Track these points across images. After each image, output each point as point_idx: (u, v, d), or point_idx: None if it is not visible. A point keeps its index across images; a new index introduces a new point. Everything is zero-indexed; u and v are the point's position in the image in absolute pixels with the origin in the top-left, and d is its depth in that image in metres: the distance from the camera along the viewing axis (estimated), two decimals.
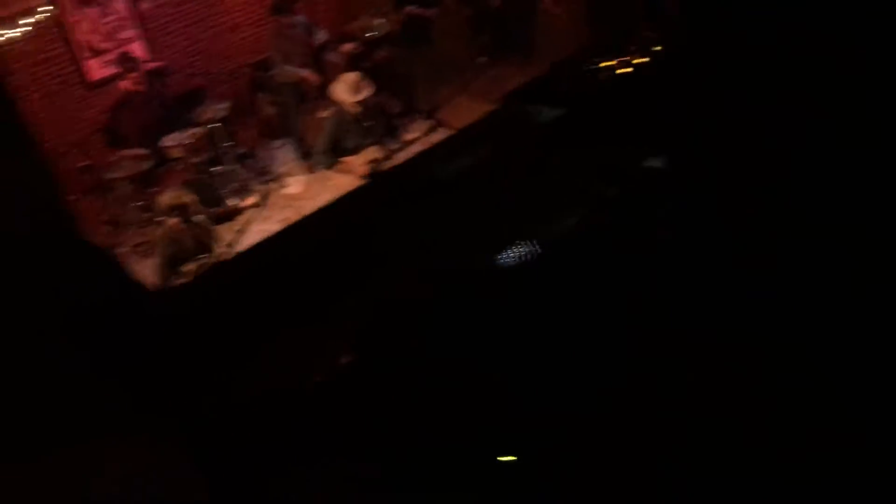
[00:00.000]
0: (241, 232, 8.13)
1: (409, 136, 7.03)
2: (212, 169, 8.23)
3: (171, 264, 6.21)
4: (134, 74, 7.91)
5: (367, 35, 9.70)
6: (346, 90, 6.74)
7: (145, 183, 8.09)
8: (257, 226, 8.20)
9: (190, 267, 6.27)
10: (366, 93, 6.74)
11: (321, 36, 8.52)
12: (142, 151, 7.95)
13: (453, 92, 9.67)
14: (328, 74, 8.58)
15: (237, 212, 6.75)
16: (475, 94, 9.47)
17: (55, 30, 8.18)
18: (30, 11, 7.94)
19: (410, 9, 8.63)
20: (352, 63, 9.37)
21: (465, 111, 9.30)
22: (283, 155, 9.19)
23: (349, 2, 10.30)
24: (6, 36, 7.85)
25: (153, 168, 7.99)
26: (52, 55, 8.26)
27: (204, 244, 6.45)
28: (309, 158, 8.92)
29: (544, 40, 9.51)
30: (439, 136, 7.28)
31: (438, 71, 9.47)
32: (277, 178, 8.78)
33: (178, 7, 8.93)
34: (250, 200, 6.80)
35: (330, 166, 7.25)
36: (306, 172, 8.92)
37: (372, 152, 6.89)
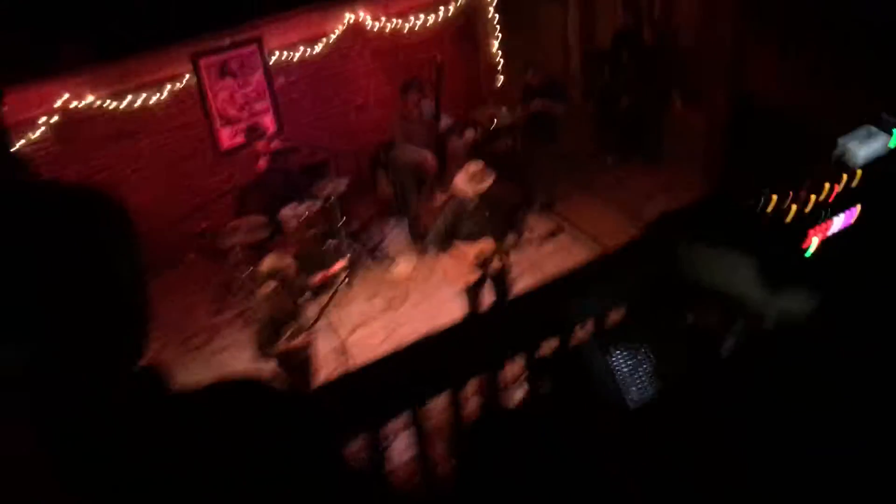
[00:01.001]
0: (342, 308, 8.11)
1: (529, 233, 6.84)
2: (324, 243, 8.29)
3: (269, 329, 6.16)
4: (261, 144, 8.13)
5: (490, 124, 9.74)
6: (468, 178, 6.64)
7: (259, 251, 8.20)
8: (357, 306, 8.16)
9: (286, 334, 6.21)
10: (487, 183, 6.62)
11: (445, 121, 8.57)
12: (260, 220, 8.09)
13: (574, 188, 9.50)
14: (448, 160, 8.59)
15: (332, 278, 6.73)
16: (598, 194, 9.27)
17: (195, 98, 8.53)
18: (175, 78, 8.37)
19: (537, 103, 8.57)
20: (473, 150, 9.38)
21: (589, 211, 9.09)
22: (395, 235, 9.20)
23: (477, 91, 10.40)
24: (151, 100, 8.27)
25: (268, 237, 8.10)
26: (190, 122, 8.62)
27: (297, 311, 6.40)
28: (420, 241, 8.88)
29: (679, 147, 9.25)
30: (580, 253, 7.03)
31: (560, 166, 9.34)
32: (387, 258, 8.77)
33: (311, 84, 9.21)
34: (340, 264, 6.78)
35: (442, 251, 7.16)
36: (416, 255, 8.89)
37: (487, 243, 6.73)
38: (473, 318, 5.84)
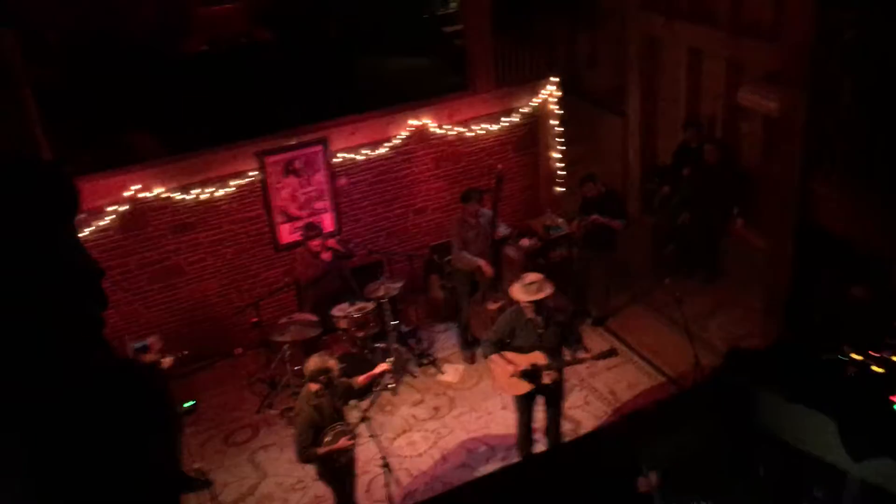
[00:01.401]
0: (385, 413, 7.95)
1: (581, 355, 6.70)
2: (374, 344, 8.21)
3: (310, 432, 6.05)
4: (316, 242, 8.19)
5: (547, 234, 9.71)
6: (524, 287, 6.56)
7: (308, 349, 8.16)
8: (401, 412, 8.00)
9: (328, 438, 6.08)
10: (544, 293, 6.53)
11: (502, 229, 8.57)
12: (311, 318, 8.08)
13: (629, 303, 9.33)
14: (503, 268, 8.54)
15: (376, 379, 6.63)
16: (653, 311, 9.08)
17: (258, 194, 8.71)
18: (240, 174, 8.57)
19: (596, 217, 8.52)
20: (528, 259, 9.33)
21: (643, 329, 8.89)
22: (444, 340, 9.09)
23: (535, 199, 10.42)
24: (217, 194, 8.46)
25: (319, 336, 8.07)
26: (250, 216, 8.77)
27: (339, 413, 6.28)
28: (469, 349, 8.75)
29: (737, 267, 9.07)
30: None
31: (615, 280, 9.20)
32: (434, 363, 8.64)
33: (372, 185, 9.35)
34: (384, 366, 6.68)
35: (494, 356, 7.06)
36: (465, 362, 8.73)
37: (538, 356, 6.59)
38: (532, 460, 5.62)
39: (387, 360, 7.63)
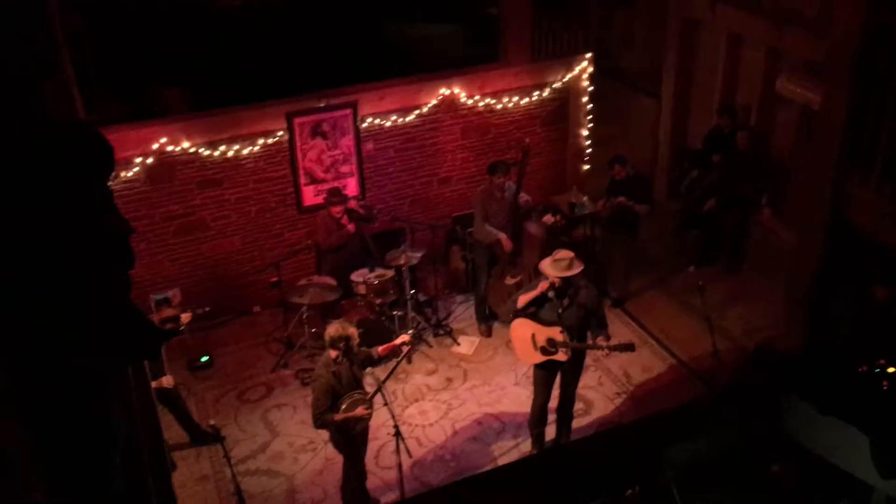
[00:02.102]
0: (399, 381, 8.00)
1: (600, 341, 6.68)
2: (391, 312, 8.23)
3: (327, 398, 6.09)
4: (338, 209, 8.18)
5: (571, 211, 9.65)
6: (555, 264, 6.54)
7: (326, 312, 8.20)
8: (415, 381, 8.04)
9: (344, 405, 6.12)
10: (573, 272, 6.52)
11: (526, 204, 8.51)
12: (331, 282, 8.10)
13: (648, 287, 9.29)
14: (524, 243, 8.50)
15: (395, 350, 6.65)
16: (673, 296, 9.04)
17: (284, 154, 8.69)
18: (267, 133, 8.55)
19: (622, 199, 8.46)
20: (550, 235, 9.28)
21: (662, 314, 8.86)
22: (463, 311, 9.10)
23: (562, 176, 10.34)
24: (243, 152, 8.45)
25: (337, 300, 8.09)
26: (277, 176, 8.77)
27: (358, 381, 6.32)
28: (486, 321, 8.76)
29: (761, 257, 8.99)
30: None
31: (637, 262, 9.16)
32: (451, 334, 8.66)
33: (398, 152, 9.30)
34: (405, 338, 6.68)
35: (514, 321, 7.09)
36: (480, 335, 8.75)
37: (555, 332, 6.58)
38: (550, 452, 5.59)
39: (405, 331, 7.67)
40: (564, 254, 6.61)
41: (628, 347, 6.54)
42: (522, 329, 6.76)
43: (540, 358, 6.73)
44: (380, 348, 6.59)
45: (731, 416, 2.90)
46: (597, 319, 6.72)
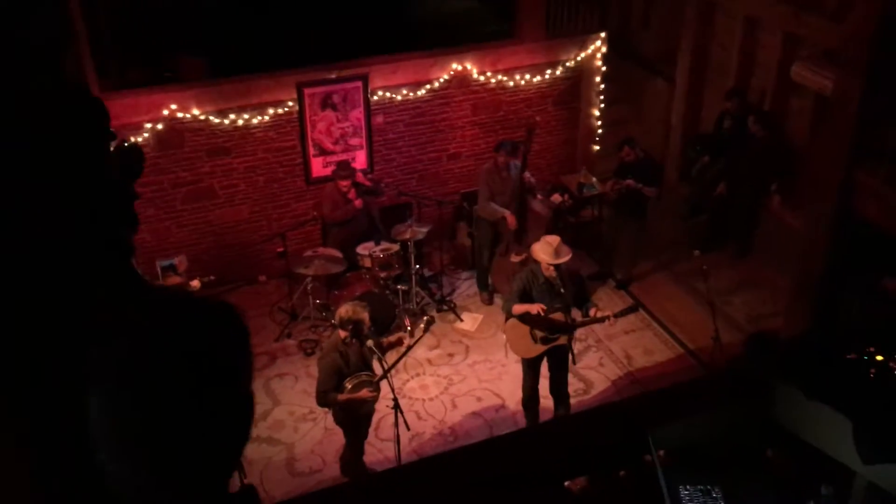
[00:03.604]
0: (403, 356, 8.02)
1: (597, 312, 6.72)
2: (395, 286, 8.26)
3: (333, 378, 6.12)
4: (346, 183, 8.18)
5: (580, 191, 9.63)
6: (545, 250, 6.57)
7: (330, 284, 8.25)
8: (416, 355, 8.06)
9: (349, 386, 6.16)
10: (563, 259, 6.56)
11: (531, 183, 8.50)
12: (336, 253, 8.13)
13: (654, 270, 9.28)
14: (529, 221, 8.49)
15: (401, 342, 6.65)
16: (679, 281, 9.02)
17: (294, 125, 8.69)
18: (278, 103, 8.54)
19: (630, 182, 8.42)
20: (556, 214, 9.27)
21: (666, 297, 8.85)
22: (468, 288, 9.12)
23: (572, 156, 10.31)
24: (253, 121, 8.46)
25: (342, 272, 8.13)
26: (286, 146, 8.77)
27: (367, 363, 6.35)
28: (486, 292, 8.81)
29: (769, 244, 8.94)
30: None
31: (643, 245, 9.13)
32: (455, 310, 8.69)
33: (408, 126, 9.28)
34: (420, 329, 6.69)
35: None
36: (483, 303, 8.81)
37: (558, 315, 6.63)
38: (541, 428, 5.63)
39: (408, 303, 7.66)
40: (552, 239, 6.65)
41: (632, 309, 6.65)
42: (518, 328, 6.78)
43: (542, 348, 6.78)
44: (392, 337, 6.63)
45: (723, 400, 2.92)
46: (582, 296, 6.80)
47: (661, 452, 2.99)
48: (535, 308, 6.50)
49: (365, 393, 6.18)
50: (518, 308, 6.63)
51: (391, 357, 6.44)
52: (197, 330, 1.41)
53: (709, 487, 2.63)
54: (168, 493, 1.34)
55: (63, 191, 1.68)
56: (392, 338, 6.60)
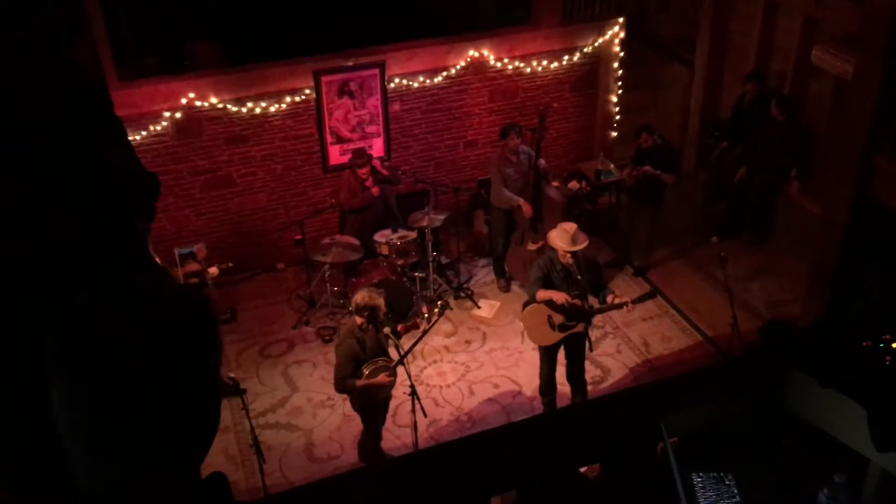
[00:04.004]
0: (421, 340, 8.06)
1: (615, 299, 6.71)
2: (413, 273, 8.30)
3: (350, 364, 6.17)
4: (363, 171, 8.20)
5: (598, 178, 9.59)
6: (562, 237, 6.58)
7: (348, 271, 8.29)
8: (434, 342, 8.09)
9: (367, 372, 6.21)
10: (579, 246, 6.56)
11: (544, 169, 8.47)
12: (353, 241, 8.16)
13: (672, 257, 9.24)
14: (545, 208, 8.47)
15: (417, 326, 6.68)
16: (696, 268, 8.98)
17: (311, 113, 8.72)
18: (295, 91, 8.57)
19: (648, 168, 8.38)
20: (573, 201, 9.24)
21: (684, 285, 8.82)
22: (485, 275, 9.13)
23: (589, 142, 10.26)
24: (270, 109, 8.49)
25: (360, 260, 8.17)
26: (303, 134, 8.81)
27: (384, 349, 6.40)
28: (502, 279, 8.83)
29: (787, 231, 8.87)
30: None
31: (661, 232, 9.09)
32: (472, 297, 8.71)
33: (425, 114, 9.28)
34: (435, 313, 6.71)
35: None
36: (500, 290, 8.82)
37: (576, 302, 6.63)
38: (557, 415, 5.64)
39: (426, 290, 7.66)
40: (569, 226, 6.64)
41: (650, 296, 6.66)
42: (536, 315, 6.79)
43: (559, 336, 6.79)
44: (408, 323, 6.66)
45: (736, 388, 2.91)
46: (599, 283, 6.79)
47: (675, 440, 3.00)
48: (559, 298, 6.50)
49: (382, 378, 6.22)
50: (542, 294, 6.63)
51: (407, 343, 6.48)
52: (164, 321, 1.44)
53: (722, 475, 2.64)
54: (134, 479, 1.37)
55: (59, 175, 1.69)
56: (408, 323, 6.63)
